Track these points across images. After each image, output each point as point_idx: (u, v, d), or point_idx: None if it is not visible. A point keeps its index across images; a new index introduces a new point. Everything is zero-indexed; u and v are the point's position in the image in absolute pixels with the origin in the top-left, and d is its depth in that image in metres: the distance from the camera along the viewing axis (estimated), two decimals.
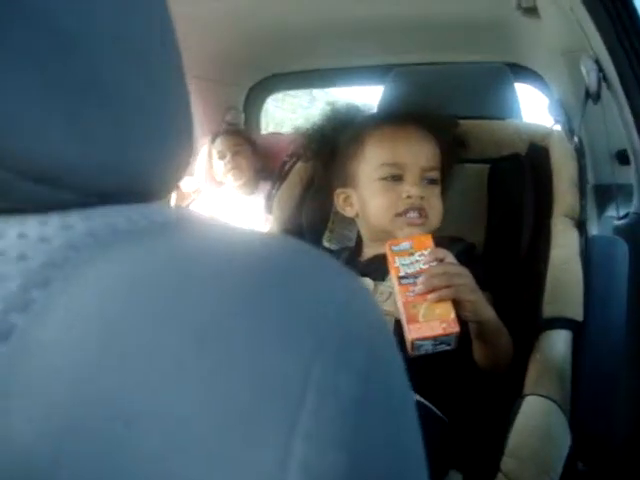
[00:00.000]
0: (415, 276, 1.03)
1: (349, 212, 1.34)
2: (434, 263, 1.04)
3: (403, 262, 1.05)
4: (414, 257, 1.05)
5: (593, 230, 1.55)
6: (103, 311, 0.28)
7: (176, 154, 0.39)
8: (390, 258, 1.07)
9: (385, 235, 1.23)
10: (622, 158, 1.63)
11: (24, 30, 0.30)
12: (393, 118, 1.33)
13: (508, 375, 1.12)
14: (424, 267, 1.04)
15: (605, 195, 1.69)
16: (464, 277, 1.03)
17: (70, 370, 0.26)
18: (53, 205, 0.33)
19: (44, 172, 0.32)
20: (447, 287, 1.01)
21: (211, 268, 0.29)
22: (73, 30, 0.32)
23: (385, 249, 1.20)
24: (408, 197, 1.21)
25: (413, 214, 1.21)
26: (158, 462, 0.25)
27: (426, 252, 1.06)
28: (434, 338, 0.99)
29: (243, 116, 2.62)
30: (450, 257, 1.06)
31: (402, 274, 1.04)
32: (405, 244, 1.07)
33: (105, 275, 0.29)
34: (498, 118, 1.51)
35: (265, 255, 0.31)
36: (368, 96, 1.68)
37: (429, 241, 1.08)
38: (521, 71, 2.05)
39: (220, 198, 2.51)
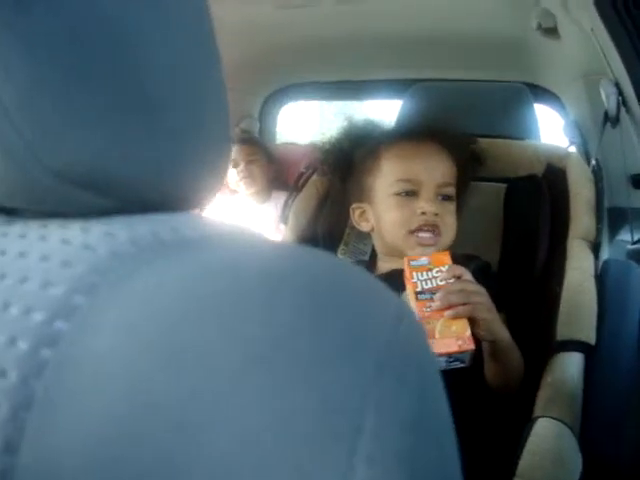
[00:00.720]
0: (432, 292, 1.03)
1: (365, 227, 1.34)
2: (451, 280, 1.05)
3: (420, 277, 1.05)
4: (432, 273, 1.06)
5: (605, 253, 1.55)
6: (155, 321, 0.28)
7: (214, 164, 0.39)
8: (407, 273, 1.07)
9: (397, 252, 1.24)
10: (637, 182, 1.63)
11: (77, 43, 0.30)
12: (409, 134, 1.33)
13: (519, 396, 1.11)
14: (441, 284, 1.04)
15: (618, 218, 1.68)
16: (481, 295, 1.03)
17: (123, 379, 0.27)
18: (95, 211, 0.33)
19: (88, 178, 0.32)
20: (464, 305, 1.01)
21: (264, 283, 0.29)
22: (123, 44, 0.32)
23: (400, 265, 1.20)
24: (422, 213, 1.21)
25: (426, 234, 1.21)
26: (214, 477, 0.25)
27: (444, 269, 1.06)
28: (449, 355, 0.99)
29: (258, 124, 2.63)
30: (467, 275, 1.06)
31: (419, 289, 1.05)
32: (423, 260, 1.08)
33: (153, 286, 0.29)
34: (516, 138, 1.51)
35: (317, 272, 0.31)
36: (387, 110, 1.68)
37: (447, 258, 1.08)
38: (538, 91, 2.05)
39: (232, 206, 2.51)
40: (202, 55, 0.38)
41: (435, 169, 1.26)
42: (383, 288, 0.33)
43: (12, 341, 0.28)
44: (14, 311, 0.29)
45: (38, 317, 0.28)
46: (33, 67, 0.30)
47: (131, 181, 0.34)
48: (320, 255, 0.34)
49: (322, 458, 0.25)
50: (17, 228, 0.33)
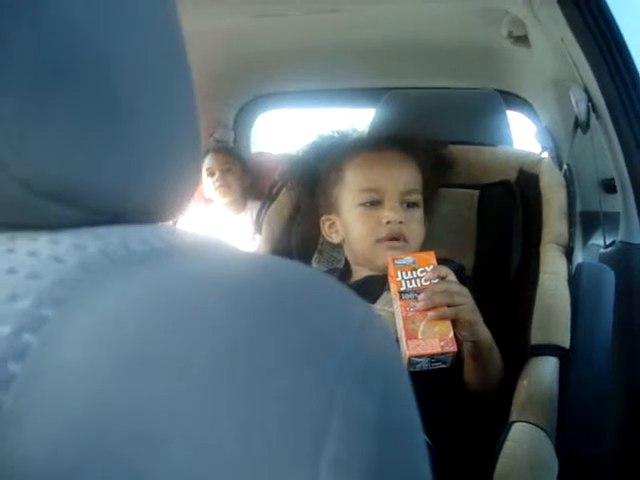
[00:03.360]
0: (416, 292, 1.04)
1: (335, 238, 1.34)
2: (436, 280, 1.05)
3: (405, 277, 1.05)
4: (416, 273, 1.06)
5: (578, 257, 1.56)
6: (122, 334, 0.28)
7: (185, 175, 0.39)
8: (392, 272, 1.07)
9: (368, 261, 1.24)
10: (608, 186, 1.65)
11: (46, 49, 0.30)
12: (371, 143, 1.34)
13: (495, 400, 1.12)
14: (426, 284, 1.04)
15: (591, 223, 1.70)
16: (465, 296, 1.03)
17: (89, 392, 0.26)
18: (63, 222, 0.33)
19: (56, 188, 0.32)
20: (448, 305, 1.01)
21: (230, 293, 0.29)
22: (93, 52, 0.32)
23: (373, 272, 1.20)
24: (387, 222, 1.22)
25: (393, 242, 1.22)
26: None
27: (428, 269, 1.06)
28: (431, 356, 0.99)
29: (233, 134, 2.62)
30: (452, 275, 1.07)
31: (403, 289, 1.05)
32: (408, 259, 1.08)
33: (123, 297, 0.29)
34: (489, 144, 1.53)
35: (282, 280, 0.31)
36: (365, 118, 1.69)
37: (432, 258, 1.08)
38: (510, 98, 2.07)
39: (208, 216, 2.50)
40: (172, 65, 0.38)
41: (397, 177, 1.26)
42: (349, 294, 0.33)
43: None
44: None
45: (5, 330, 0.28)
46: (3, 79, 0.29)
47: (100, 192, 0.34)
48: (285, 263, 0.34)
49: (287, 463, 0.25)
50: None
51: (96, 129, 0.32)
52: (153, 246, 0.33)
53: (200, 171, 0.41)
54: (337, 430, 0.26)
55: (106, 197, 0.34)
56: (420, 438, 0.31)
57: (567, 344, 1.12)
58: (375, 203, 1.24)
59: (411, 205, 1.26)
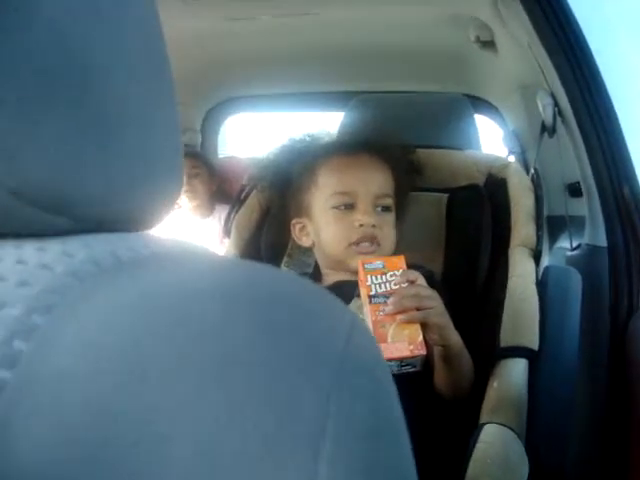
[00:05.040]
0: (386, 296, 1.04)
1: (305, 242, 1.34)
2: (405, 284, 1.05)
3: (375, 281, 1.05)
4: (386, 277, 1.06)
5: (545, 260, 1.58)
6: (115, 341, 0.28)
7: (168, 183, 0.39)
8: (362, 276, 1.07)
9: (340, 265, 1.24)
10: (574, 190, 1.67)
11: (33, 60, 0.30)
12: (345, 147, 1.34)
13: (465, 403, 1.13)
14: (395, 287, 1.05)
15: (557, 226, 1.72)
16: (434, 300, 1.04)
17: (81, 397, 0.26)
18: (50, 230, 0.33)
19: (44, 197, 0.32)
20: (417, 309, 1.02)
21: (219, 299, 0.30)
22: (79, 63, 0.32)
23: (343, 276, 1.20)
24: (360, 225, 1.22)
25: (365, 243, 1.22)
26: None
27: (398, 273, 1.06)
28: (401, 359, 0.99)
29: (200, 138, 2.61)
30: (421, 279, 1.07)
31: (373, 293, 1.05)
32: (378, 263, 1.08)
33: (113, 305, 0.29)
34: (457, 148, 1.54)
35: (269, 287, 0.32)
36: (333, 122, 1.69)
37: (402, 262, 1.08)
38: (478, 102, 2.09)
39: (175, 220, 2.49)
40: (155, 74, 0.38)
41: (371, 181, 1.26)
42: (334, 300, 0.34)
43: None
44: None
45: None
46: None
47: (87, 200, 0.34)
48: (270, 270, 0.35)
49: (287, 463, 0.26)
50: None
51: (83, 139, 0.33)
52: (139, 254, 0.33)
53: (182, 179, 0.41)
54: (333, 431, 0.27)
55: (92, 205, 0.34)
56: (406, 436, 0.32)
57: (536, 346, 1.13)
58: (348, 206, 1.24)
59: (384, 209, 1.27)
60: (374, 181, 1.27)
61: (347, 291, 1.16)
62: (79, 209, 0.34)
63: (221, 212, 2.39)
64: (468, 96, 1.91)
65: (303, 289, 0.34)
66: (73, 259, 0.31)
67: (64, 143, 0.32)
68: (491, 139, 2.22)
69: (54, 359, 0.27)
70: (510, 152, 1.99)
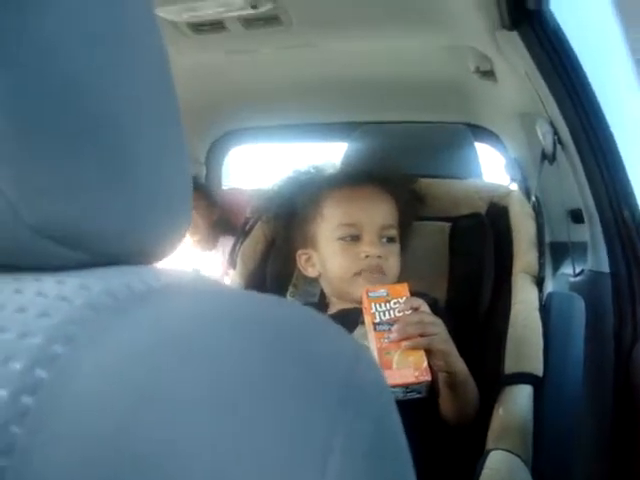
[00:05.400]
0: (390, 323, 1.05)
1: (311, 272, 1.35)
2: (409, 311, 1.06)
3: (379, 309, 1.07)
4: (390, 304, 1.07)
5: (549, 286, 1.59)
6: (133, 369, 0.29)
7: (177, 217, 0.41)
8: (366, 304, 1.09)
9: (345, 294, 1.25)
10: (576, 216, 1.68)
11: (50, 99, 0.32)
12: (349, 178, 1.36)
13: (471, 429, 1.13)
14: (399, 315, 1.06)
15: (560, 252, 1.73)
16: (438, 327, 1.05)
17: (102, 424, 0.27)
18: (67, 264, 0.35)
19: (64, 233, 0.33)
20: (421, 336, 1.02)
21: (232, 329, 0.31)
22: (93, 100, 0.33)
23: (348, 305, 1.21)
24: (366, 257, 1.23)
25: (371, 274, 1.23)
26: None
27: (402, 300, 1.08)
28: (406, 386, 1.00)
29: (204, 170, 2.62)
30: (425, 306, 1.08)
31: (377, 320, 1.06)
32: (382, 291, 1.09)
33: (130, 335, 0.30)
34: (459, 177, 1.55)
35: (280, 318, 0.33)
36: (336, 152, 1.71)
37: (405, 289, 1.10)
38: (479, 131, 2.10)
39: (179, 254, 2.48)
40: (164, 109, 0.39)
41: (376, 212, 1.28)
42: (338, 329, 0.35)
43: None
44: None
45: (17, 366, 0.29)
46: (17, 130, 0.31)
47: (102, 235, 0.35)
48: (276, 300, 0.36)
49: (298, 478, 0.27)
50: None
51: (100, 177, 0.34)
52: (152, 286, 0.34)
53: (190, 212, 0.42)
54: (340, 449, 0.28)
55: (107, 240, 0.36)
56: (408, 456, 0.34)
57: (540, 372, 1.13)
58: (354, 238, 1.26)
59: (389, 240, 1.28)
60: (379, 212, 1.28)
61: (352, 318, 1.17)
62: (95, 244, 0.35)
63: (225, 244, 2.38)
64: (469, 125, 1.93)
65: (308, 319, 0.35)
66: (90, 292, 0.32)
67: (83, 182, 0.33)
68: (493, 167, 2.24)
69: (74, 387, 0.28)
70: (511, 180, 2.00)
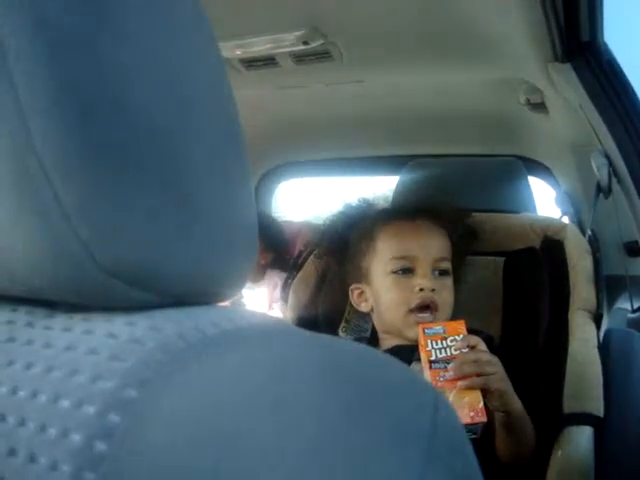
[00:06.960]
0: (446, 361, 1.04)
1: (364, 307, 1.34)
2: (466, 349, 1.05)
3: (435, 346, 1.06)
4: (446, 342, 1.06)
5: (605, 322, 1.55)
6: (211, 415, 0.28)
7: (244, 255, 0.40)
8: (422, 341, 1.07)
9: (397, 330, 1.24)
10: (632, 250, 1.64)
11: (133, 150, 0.32)
12: (402, 212, 1.35)
13: (528, 471, 1.10)
14: (455, 353, 1.05)
15: (615, 286, 1.69)
16: (495, 366, 1.03)
17: (180, 471, 0.27)
18: (136, 304, 0.34)
19: (134, 273, 0.33)
20: (477, 375, 1.01)
21: (311, 378, 0.30)
22: (161, 138, 0.33)
23: (401, 341, 1.20)
24: (420, 290, 1.22)
25: (424, 314, 1.22)
26: None
27: (458, 338, 1.06)
28: None
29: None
30: (482, 345, 1.07)
31: (433, 358, 1.05)
32: (438, 328, 1.08)
33: (203, 379, 0.30)
34: (512, 211, 1.54)
35: (355, 365, 0.32)
36: (387, 185, 1.71)
37: (462, 327, 1.08)
38: (529, 164, 2.09)
39: None
40: (230, 144, 0.39)
41: (430, 245, 1.27)
42: (417, 377, 0.34)
43: (64, 434, 0.29)
44: (65, 404, 0.29)
45: (90, 410, 0.29)
46: (93, 173, 0.31)
47: (171, 275, 0.35)
48: (352, 345, 0.35)
49: None
50: (60, 321, 0.34)
51: (168, 217, 0.34)
52: (224, 328, 0.34)
53: (256, 250, 0.42)
54: None
55: (176, 280, 0.36)
56: None
57: (601, 413, 1.10)
58: (407, 271, 1.25)
59: (442, 273, 1.27)
60: (433, 245, 1.27)
61: (405, 356, 1.16)
62: (164, 284, 0.35)
63: (271, 277, 2.37)
64: (520, 157, 1.91)
65: (387, 366, 0.34)
66: (161, 334, 0.32)
67: (153, 222, 0.33)
68: (542, 200, 2.21)
69: (150, 433, 0.28)
70: (563, 213, 1.97)
